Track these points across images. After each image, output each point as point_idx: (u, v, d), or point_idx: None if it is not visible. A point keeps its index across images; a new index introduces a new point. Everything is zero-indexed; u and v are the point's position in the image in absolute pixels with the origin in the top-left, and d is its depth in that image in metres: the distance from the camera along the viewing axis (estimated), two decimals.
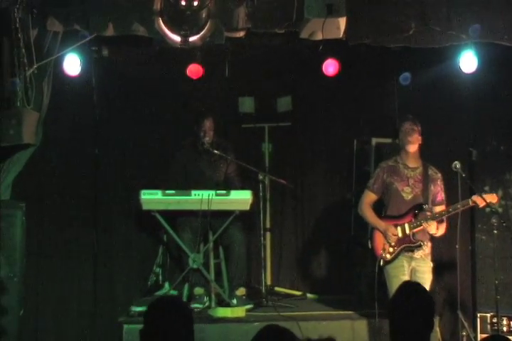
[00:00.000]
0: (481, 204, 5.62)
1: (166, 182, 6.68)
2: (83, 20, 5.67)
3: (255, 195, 6.47)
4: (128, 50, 6.90)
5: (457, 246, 5.87)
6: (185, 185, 6.58)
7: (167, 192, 6.29)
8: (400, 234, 5.78)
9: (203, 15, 5.55)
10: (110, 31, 5.75)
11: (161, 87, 7.33)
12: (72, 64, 6.33)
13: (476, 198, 5.62)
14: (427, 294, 3.64)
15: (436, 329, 6.02)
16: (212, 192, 6.24)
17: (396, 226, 5.78)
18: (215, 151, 6.66)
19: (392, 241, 5.74)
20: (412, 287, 3.72)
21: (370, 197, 5.97)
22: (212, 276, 6.44)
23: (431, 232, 5.74)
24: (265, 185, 7.05)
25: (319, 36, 5.77)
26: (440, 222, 5.76)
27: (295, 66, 7.35)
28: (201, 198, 6.18)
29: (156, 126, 7.36)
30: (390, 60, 6.98)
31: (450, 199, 5.89)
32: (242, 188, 6.59)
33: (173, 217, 6.52)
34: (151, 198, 6.26)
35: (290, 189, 7.44)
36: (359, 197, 6.19)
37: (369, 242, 5.89)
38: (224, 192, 6.31)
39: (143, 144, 7.32)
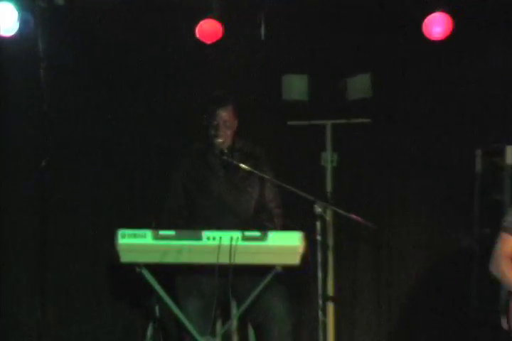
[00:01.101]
0: None
1: (158, 216, 6.28)
2: None
3: (308, 240, 5.97)
4: None
5: None
6: (189, 222, 6.29)
7: (162, 233, 5.84)
8: None
9: None
10: None
11: (152, 56, 7.32)
12: (7, 18, 6.58)
13: None
14: None
15: None
16: (236, 234, 5.82)
17: None
18: (241, 165, 6.26)
19: None
20: None
21: (510, 244, 5.58)
22: None
23: None
24: (326, 223, 6.54)
25: None
26: None
27: (377, 26, 7.27)
28: (218, 244, 5.77)
29: (142, 119, 7.37)
30: None
31: None
32: (287, 228, 6.19)
33: (171, 274, 6.14)
34: (135, 243, 5.79)
35: (369, 230, 6.83)
36: (487, 244, 5.79)
37: (503, 320, 5.48)
38: (256, 234, 5.87)
39: (119, 149, 7.35)
